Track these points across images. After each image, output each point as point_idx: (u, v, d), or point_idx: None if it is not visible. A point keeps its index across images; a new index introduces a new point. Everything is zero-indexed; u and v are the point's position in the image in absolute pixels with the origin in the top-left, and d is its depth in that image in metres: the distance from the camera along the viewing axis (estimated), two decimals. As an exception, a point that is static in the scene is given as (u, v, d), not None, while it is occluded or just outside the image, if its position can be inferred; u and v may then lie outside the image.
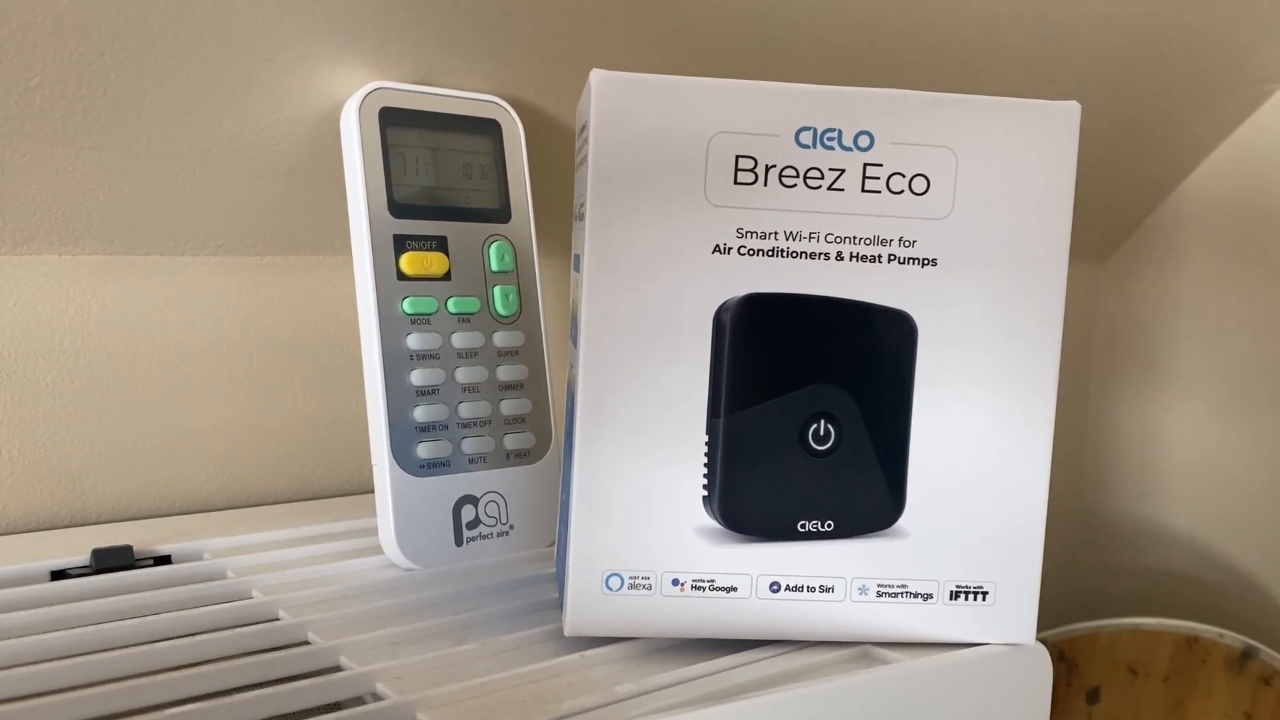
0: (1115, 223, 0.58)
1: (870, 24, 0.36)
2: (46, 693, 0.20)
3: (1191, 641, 0.50)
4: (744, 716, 0.21)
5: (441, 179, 0.29)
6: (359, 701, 0.21)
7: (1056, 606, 0.61)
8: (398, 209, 0.28)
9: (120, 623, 0.24)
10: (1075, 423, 0.61)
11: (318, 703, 0.21)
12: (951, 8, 0.37)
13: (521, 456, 0.30)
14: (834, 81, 0.38)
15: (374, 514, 0.30)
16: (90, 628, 0.23)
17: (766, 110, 0.22)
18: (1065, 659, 0.50)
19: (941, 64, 0.40)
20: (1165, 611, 0.57)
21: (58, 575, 0.27)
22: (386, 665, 0.22)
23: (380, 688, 0.21)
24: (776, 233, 0.22)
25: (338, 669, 0.23)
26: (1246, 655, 0.50)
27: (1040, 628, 0.56)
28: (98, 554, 0.28)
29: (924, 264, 0.23)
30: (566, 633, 0.23)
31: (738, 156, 0.22)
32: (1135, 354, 0.59)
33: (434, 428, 0.28)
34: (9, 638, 0.23)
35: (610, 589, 0.23)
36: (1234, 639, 0.50)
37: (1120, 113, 0.49)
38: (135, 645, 0.23)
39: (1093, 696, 0.51)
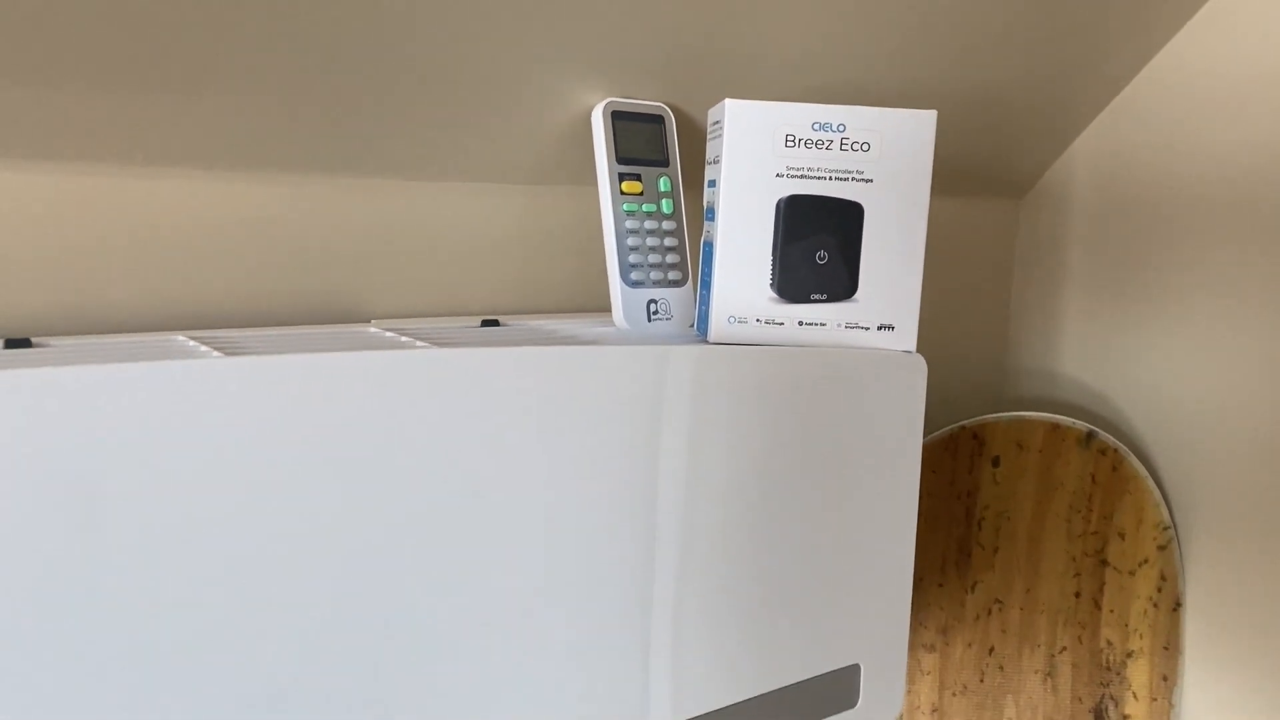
0: (1030, 163, 0.88)
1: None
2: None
3: (1055, 427, 0.81)
4: (774, 357, 0.51)
5: (637, 145, 0.60)
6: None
7: (973, 405, 0.91)
8: (619, 160, 0.59)
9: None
10: (998, 326, 0.91)
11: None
12: None
13: (675, 283, 0.60)
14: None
15: (609, 315, 0.60)
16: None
17: (802, 116, 0.52)
18: (977, 438, 0.81)
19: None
20: (1038, 407, 0.87)
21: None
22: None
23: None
24: (802, 168, 0.52)
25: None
26: (1090, 436, 0.80)
27: (963, 418, 0.86)
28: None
29: (866, 182, 0.53)
30: (711, 340, 0.54)
31: (786, 135, 0.52)
32: (1045, 271, 0.89)
33: (636, 266, 0.59)
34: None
35: (728, 322, 0.54)
36: (1082, 425, 0.80)
37: (1032, 63, 0.78)
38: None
39: (995, 462, 0.81)
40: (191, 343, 0.45)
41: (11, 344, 0.44)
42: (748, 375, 0.49)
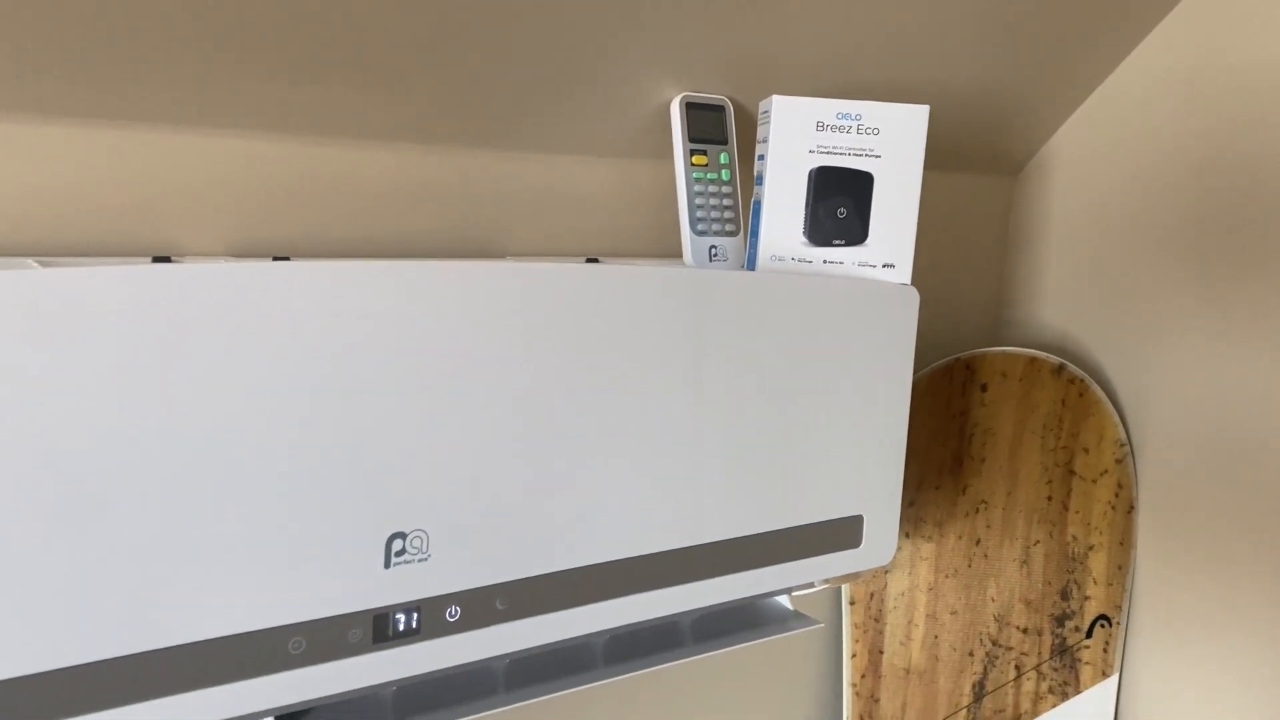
0: (1023, 146, 1.06)
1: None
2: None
3: (1033, 360, 0.99)
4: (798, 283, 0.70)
5: (704, 128, 0.79)
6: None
7: (968, 341, 1.10)
8: (690, 139, 0.78)
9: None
10: (992, 280, 1.10)
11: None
12: None
13: (730, 233, 0.80)
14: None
15: (680, 258, 0.80)
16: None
17: (830, 108, 0.71)
18: (970, 368, 1.00)
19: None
20: (1020, 344, 1.05)
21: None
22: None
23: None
24: (829, 147, 0.71)
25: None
26: (1061, 367, 0.99)
27: (958, 350, 1.05)
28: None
29: (875, 157, 0.72)
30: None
31: (817, 122, 0.71)
32: (1032, 236, 1.07)
33: (701, 220, 0.78)
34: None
35: (771, 259, 0.73)
36: (1055, 359, 0.99)
37: (1023, 60, 0.96)
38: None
39: (984, 388, 1.00)
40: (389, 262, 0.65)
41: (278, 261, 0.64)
42: (783, 290, 0.68)
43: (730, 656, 0.97)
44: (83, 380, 0.45)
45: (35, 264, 0.56)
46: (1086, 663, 1.00)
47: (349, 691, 0.55)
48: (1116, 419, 0.98)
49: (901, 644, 0.99)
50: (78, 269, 0.45)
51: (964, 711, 0.99)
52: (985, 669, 1.00)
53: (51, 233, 0.61)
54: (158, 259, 0.62)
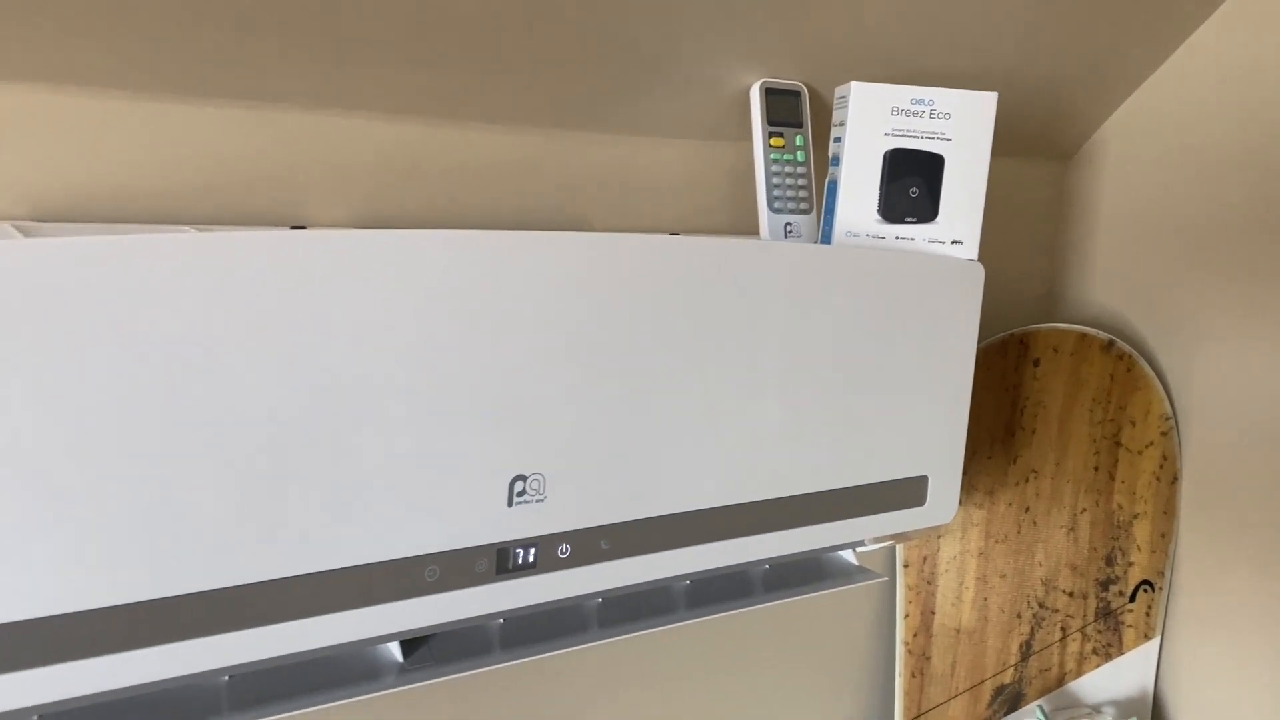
0: (1075, 133, 1.10)
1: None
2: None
3: (1083, 336, 1.04)
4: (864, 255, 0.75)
5: (781, 112, 0.84)
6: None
7: (1021, 318, 1.15)
8: (768, 122, 0.83)
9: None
10: (1045, 259, 1.14)
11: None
12: None
13: (804, 211, 0.85)
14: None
15: (757, 234, 0.85)
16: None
17: (904, 94, 0.76)
18: (1023, 343, 1.05)
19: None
20: (1071, 321, 1.10)
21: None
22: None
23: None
24: (902, 130, 0.76)
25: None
26: (1110, 344, 1.04)
27: (1011, 327, 1.09)
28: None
29: (946, 140, 0.77)
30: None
31: (892, 106, 0.76)
32: (1084, 218, 1.12)
33: (777, 198, 0.83)
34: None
35: (845, 235, 0.78)
36: (1103, 334, 1.03)
37: (1077, 50, 1.01)
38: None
39: (1036, 363, 1.05)
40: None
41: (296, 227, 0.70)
42: (859, 263, 0.73)
43: (793, 611, 1.03)
44: (262, 334, 0.51)
45: (192, 230, 0.62)
46: (1129, 625, 1.05)
47: (471, 618, 0.62)
48: (1163, 394, 1.03)
49: (953, 605, 1.04)
50: (258, 233, 0.51)
51: (1011, 670, 1.05)
52: (1032, 630, 1.05)
53: (200, 202, 0.67)
54: (295, 227, 0.68)
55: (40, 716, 0.55)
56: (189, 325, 0.49)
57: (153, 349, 0.48)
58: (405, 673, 0.64)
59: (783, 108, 0.84)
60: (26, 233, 0.57)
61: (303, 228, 0.68)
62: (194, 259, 0.49)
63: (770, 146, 0.83)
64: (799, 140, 0.84)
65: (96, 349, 0.47)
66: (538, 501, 0.61)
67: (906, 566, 1.04)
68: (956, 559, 1.04)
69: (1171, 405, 1.04)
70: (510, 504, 0.61)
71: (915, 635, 1.04)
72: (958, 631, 1.04)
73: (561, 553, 0.64)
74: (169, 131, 0.65)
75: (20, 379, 0.45)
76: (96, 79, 0.61)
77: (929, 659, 1.04)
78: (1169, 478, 1.04)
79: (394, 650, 0.66)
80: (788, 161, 0.84)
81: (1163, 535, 1.04)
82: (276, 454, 0.52)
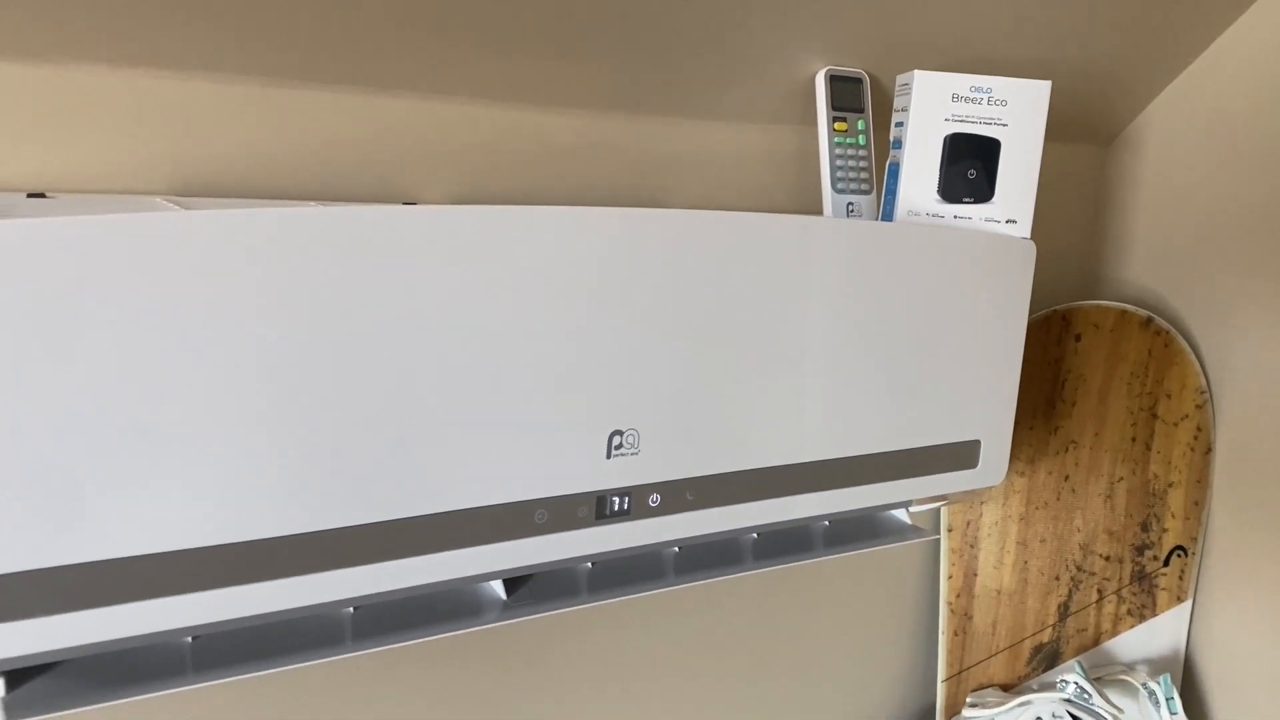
0: (1114, 119, 1.15)
1: None
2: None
3: (1123, 313, 1.09)
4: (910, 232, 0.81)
5: (845, 98, 0.89)
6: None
7: (1064, 295, 1.20)
8: (833, 108, 0.88)
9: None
10: (1086, 239, 1.19)
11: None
12: None
13: (865, 191, 0.90)
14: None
15: (821, 214, 0.91)
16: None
17: (964, 82, 0.81)
18: (1065, 319, 1.10)
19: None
20: (1111, 298, 1.15)
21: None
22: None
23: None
24: (962, 116, 0.82)
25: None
26: (1149, 320, 1.09)
27: (1054, 304, 1.15)
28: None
29: (1003, 126, 0.82)
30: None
31: (952, 94, 0.81)
32: (1122, 201, 1.17)
33: (840, 179, 0.89)
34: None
35: (907, 214, 0.83)
36: (1142, 311, 1.09)
37: (1118, 41, 1.05)
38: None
39: (1077, 338, 1.10)
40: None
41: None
42: (920, 239, 0.79)
43: (846, 569, 1.09)
44: (384, 296, 0.57)
45: (316, 204, 0.69)
46: (1163, 589, 1.11)
47: (571, 558, 0.68)
48: (1199, 368, 1.08)
49: (994, 568, 1.10)
50: (367, 208, 0.57)
51: (1050, 629, 1.11)
52: (1070, 592, 1.11)
53: (316, 179, 0.73)
54: (406, 204, 0.74)
55: (194, 638, 0.62)
56: (349, 293, 0.55)
57: (322, 315, 0.54)
58: (508, 609, 0.71)
59: (846, 94, 0.89)
60: (181, 206, 0.63)
61: (413, 204, 0.75)
62: (381, 233, 0.55)
63: (834, 130, 0.88)
64: (860, 125, 0.89)
65: (299, 317, 0.53)
66: (632, 455, 0.68)
67: (950, 531, 1.10)
68: (998, 524, 1.10)
69: (1206, 380, 1.09)
70: (609, 456, 0.67)
71: (958, 596, 1.10)
72: (999, 593, 1.10)
73: (652, 502, 0.70)
74: (294, 116, 0.71)
75: (244, 325, 0.52)
76: (234, 68, 0.68)
77: (971, 618, 1.10)
78: (1203, 448, 1.09)
79: (498, 589, 0.72)
80: (850, 145, 0.89)
81: (1196, 503, 1.09)
82: (416, 414, 0.59)
